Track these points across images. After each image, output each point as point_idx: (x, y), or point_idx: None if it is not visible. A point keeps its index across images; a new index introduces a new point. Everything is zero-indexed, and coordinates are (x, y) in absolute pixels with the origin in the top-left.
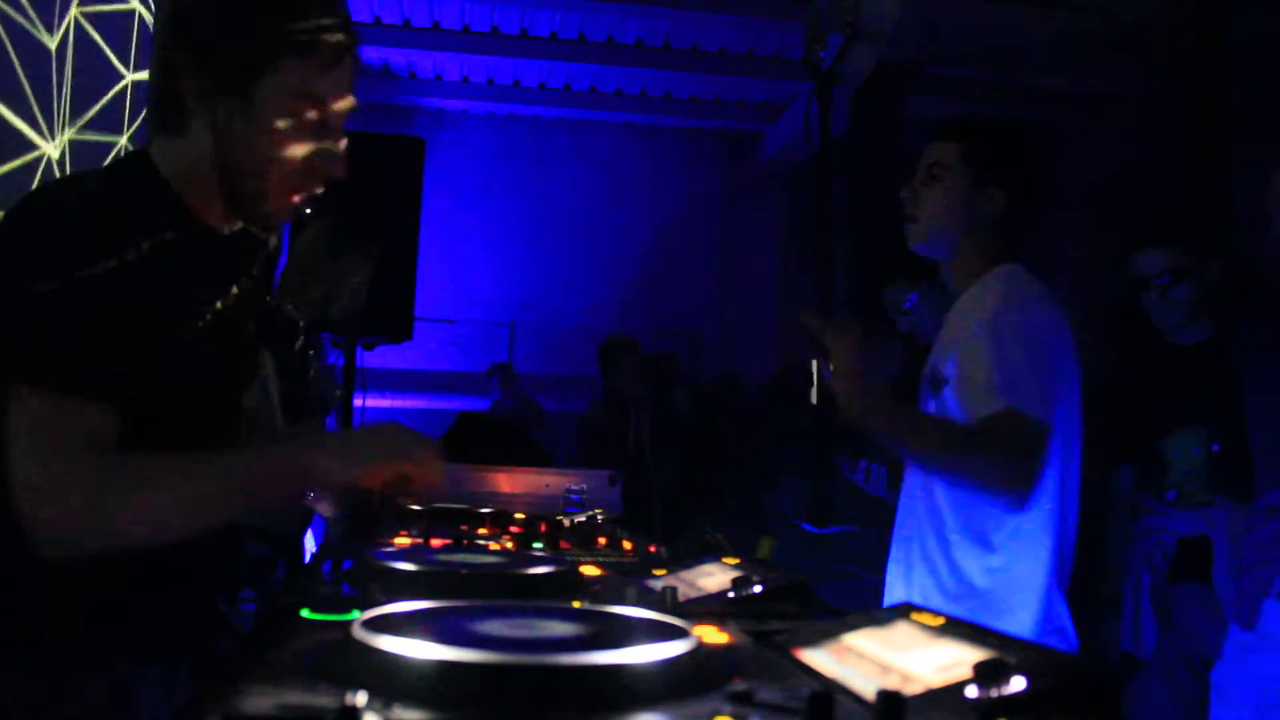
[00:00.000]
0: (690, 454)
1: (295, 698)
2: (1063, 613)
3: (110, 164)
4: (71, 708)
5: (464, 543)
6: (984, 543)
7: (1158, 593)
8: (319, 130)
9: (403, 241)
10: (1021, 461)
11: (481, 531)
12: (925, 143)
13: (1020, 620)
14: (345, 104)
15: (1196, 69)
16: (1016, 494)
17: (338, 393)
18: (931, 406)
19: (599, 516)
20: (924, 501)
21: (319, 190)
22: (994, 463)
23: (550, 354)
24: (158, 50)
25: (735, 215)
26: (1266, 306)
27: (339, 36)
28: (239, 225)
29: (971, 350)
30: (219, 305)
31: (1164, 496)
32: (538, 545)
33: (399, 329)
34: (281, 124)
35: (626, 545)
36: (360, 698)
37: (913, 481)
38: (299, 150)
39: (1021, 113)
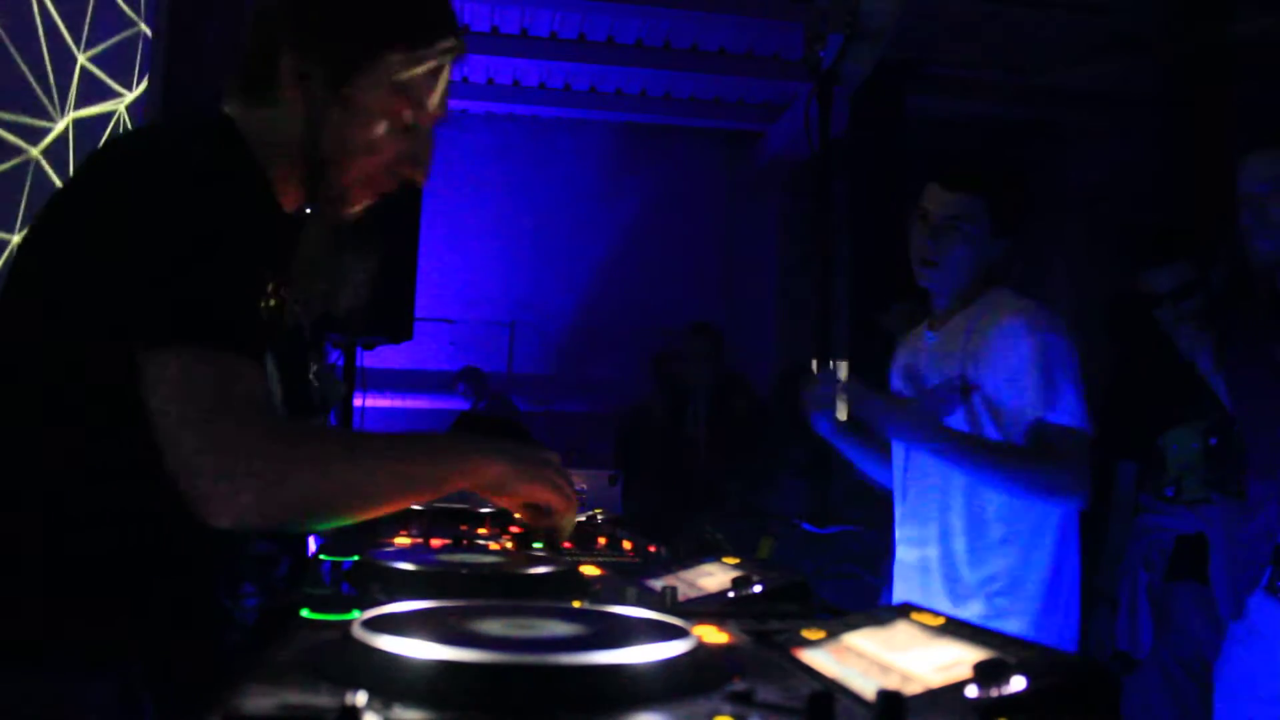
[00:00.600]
0: (745, 448)
1: (295, 698)
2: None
3: (195, 123)
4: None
5: (464, 543)
6: (1020, 542)
7: (1155, 591)
8: (409, 131)
9: (403, 241)
10: (1080, 473)
11: (481, 531)
12: (934, 173)
13: (1054, 618)
14: (440, 109)
15: (1197, 68)
16: (1077, 501)
17: (342, 390)
18: (960, 412)
19: (599, 516)
20: (939, 502)
21: (393, 190)
22: (1058, 477)
23: (550, 354)
24: (257, 14)
25: (735, 215)
26: (1252, 308)
27: (449, 42)
28: (303, 209)
29: (1010, 366)
30: (271, 289)
31: (1162, 493)
32: (538, 545)
33: (399, 329)
34: (375, 120)
35: (626, 545)
36: (360, 698)
37: (924, 485)
38: (386, 148)
39: (1021, 113)
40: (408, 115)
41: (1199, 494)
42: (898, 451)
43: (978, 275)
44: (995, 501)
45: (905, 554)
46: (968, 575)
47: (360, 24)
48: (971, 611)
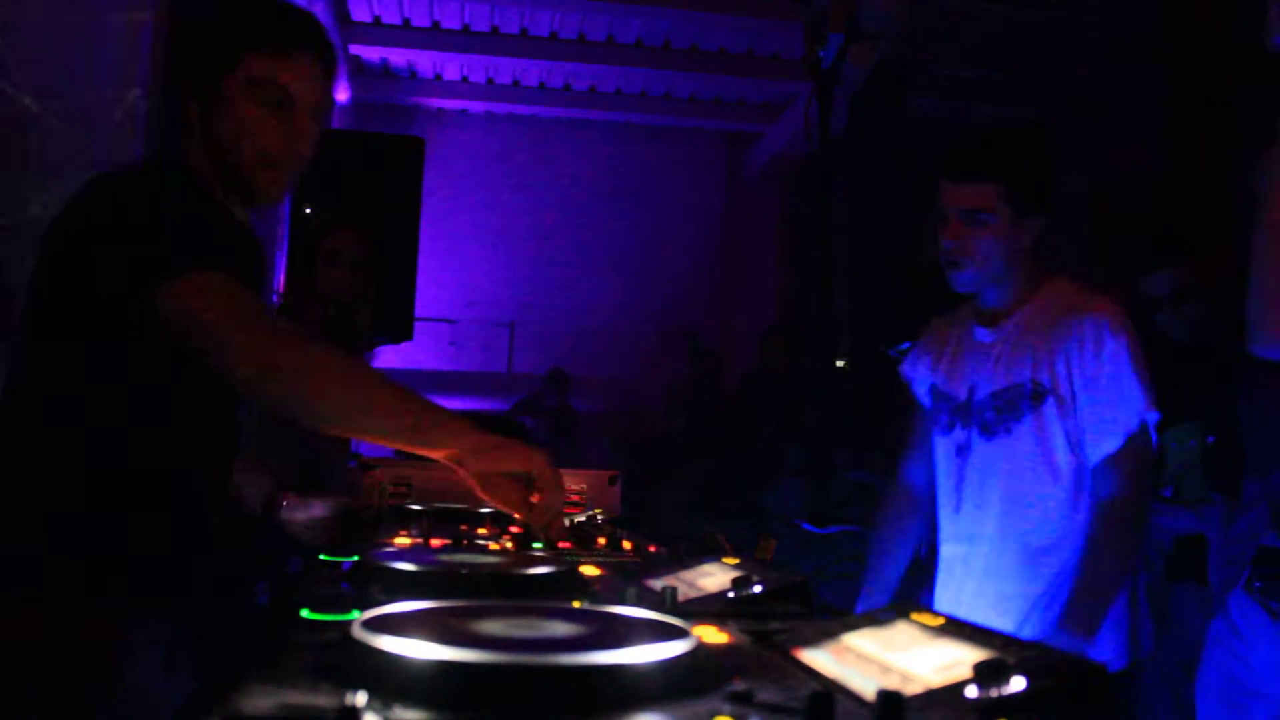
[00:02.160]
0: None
1: (295, 698)
2: None
3: (146, 167)
4: (74, 654)
5: (464, 543)
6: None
7: (1155, 592)
8: (284, 114)
9: (403, 241)
10: (1147, 487)
11: (481, 531)
12: (939, 168)
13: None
14: (308, 91)
15: (1199, 68)
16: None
17: None
18: (1028, 418)
19: (599, 516)
20: (995, 513)
21: (298, 169)
22: (1144, 491)
23: (550, 354)
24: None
25: (735, 215)
26: None
27: (294, 33)
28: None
29: (1094, 371)
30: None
31: (1161, 493)
32: (538, 545)
33: (399, 329)
34: (249, 109)
35: (626, 545)
36: (360, 698)
37: (980, 498)
38: (267, 130)
39: (1022, 113)
40: (276, 99)
41: (1198, 493)
42: (948, 460)
43: (1019, 264)
44: (1045, 511)
45: (953, 557)
46: (1016, 588)
47: (213, 43)
48: (1026, 626)
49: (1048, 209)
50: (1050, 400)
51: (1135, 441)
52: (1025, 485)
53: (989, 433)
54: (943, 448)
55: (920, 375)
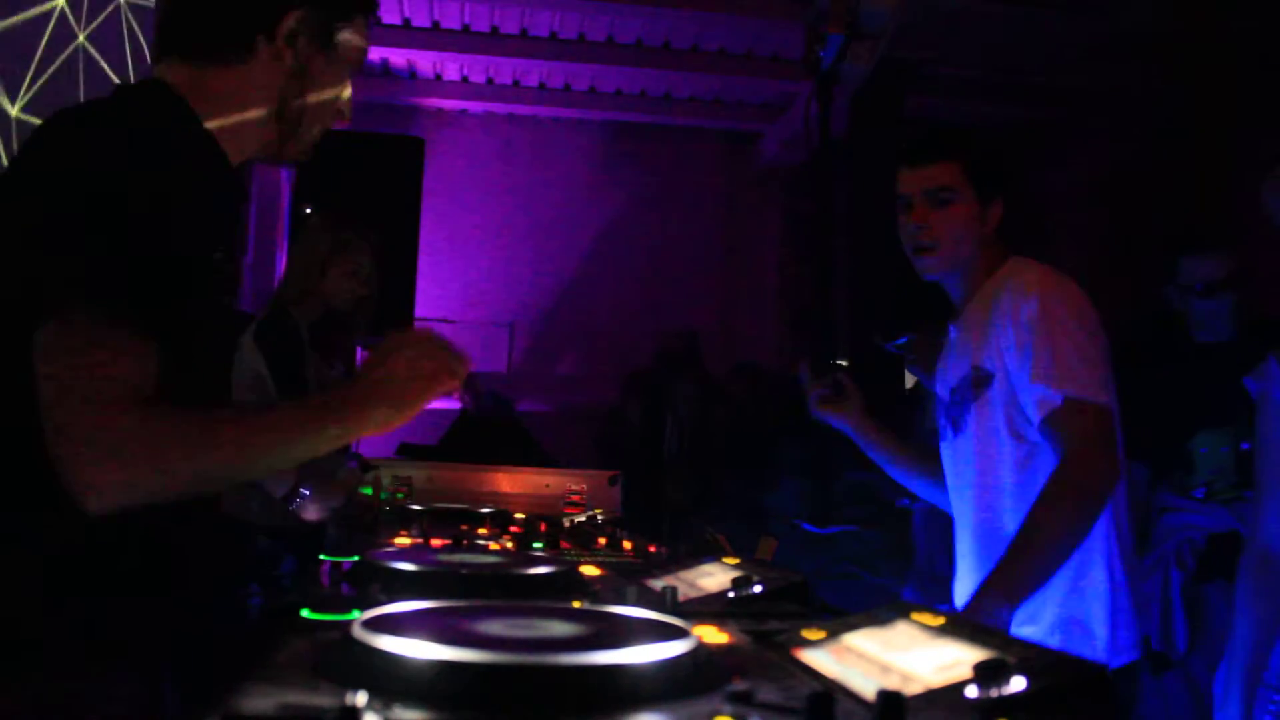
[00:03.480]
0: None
1: (295, 698)
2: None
3: (125, 89)
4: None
5: (464, 543)
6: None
7: (1188, 592)
8: (349, 79)
9: (403, 241)
10: (1106, 460)
11: (481, 531)
12: (898, 160)
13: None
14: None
15: (1197, 68)
16: (1110, 484)
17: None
18: (972, 411)
19: (599, 516)
20: (1012, 510)
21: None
22: (1087, 491)
23: (550, 354)
24: None
25: (735, 215)
26: None
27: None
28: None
29: (1012, 338)
30: (217, 256)
31: (1193, 494)
32: (538, 545)
33: (399, 329)
34: (346, 68)
35: (626, 545)
36: (360, 698)
37: (990, 498)
38: (342, 92)
39: (1021, 113)
40: (358, 64)
41: (1231, 494)
42: (945, 459)
43: (981, 250)
44: (1013, 499)
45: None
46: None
47: None
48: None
49: (1006, 193)
50: (994, 384)
51: (1074, 408)
52: (989, 475)
53: (956, 428)
54: (942, 450)
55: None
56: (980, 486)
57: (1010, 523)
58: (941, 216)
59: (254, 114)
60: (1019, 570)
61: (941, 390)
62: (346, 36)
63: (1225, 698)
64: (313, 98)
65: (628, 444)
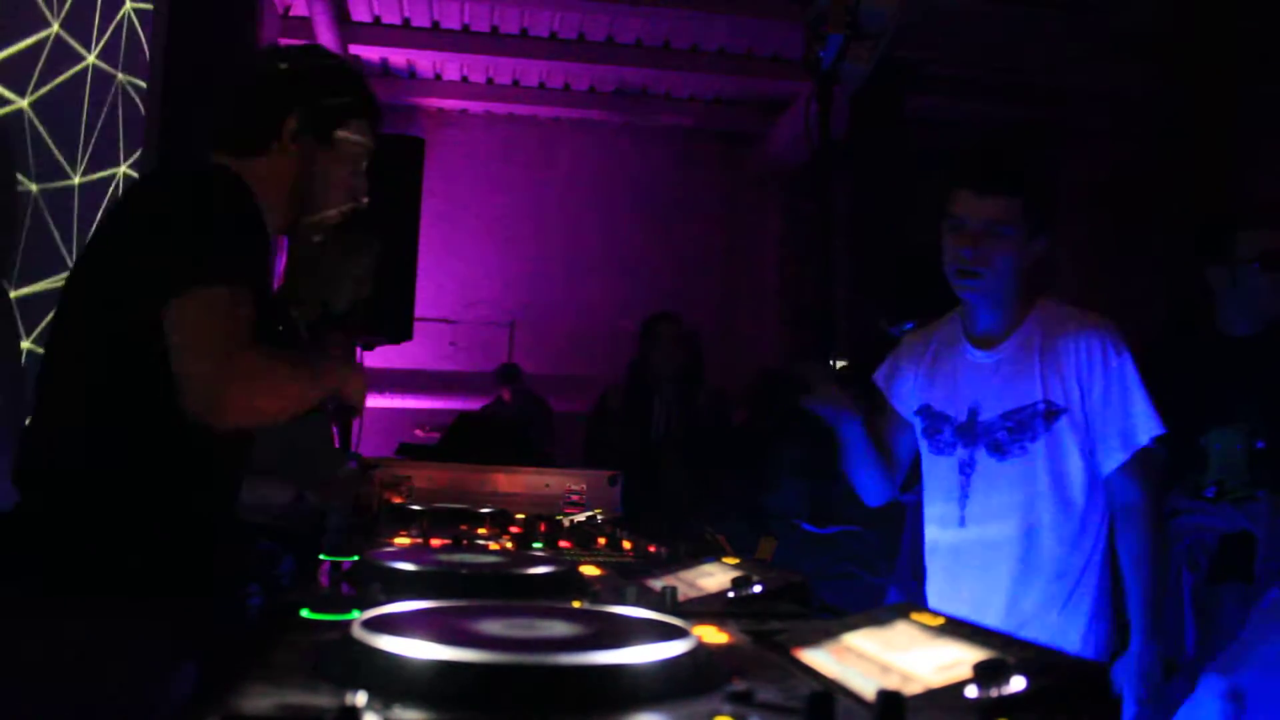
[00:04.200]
0: (709, 450)
1: (295, 698)
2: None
3: (204, 171)
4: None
5: (464, 543)
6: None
7: (1199, 593)
8: (359, 174)
9: (403, 241)
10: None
11: (481, 531)
12: (960, 178)
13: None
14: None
15: (1197, 68)
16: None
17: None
18: (1042, 438)
19: (599, 516)
20: (1008, 536)
21: (346, 213)
22: (1159, 498)
23: (550, 354)
24: (262, 87)
25: (735, 215)
26: None
27: (381, 113)
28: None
29: (1105, 388)
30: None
31: (1202, 494)
32: (538, 545)
33: (399, 329)
34: (345, 160)
35: (626, 545)
36: (360, 698)
37: (991, 523)
38: (350, 180)
39: (1021, 113)
40: (362, 157)
41: (1243, 493)
42: (948, 476)
43: (1021, 281)
44: (1058, 521)
45: (954, 566)
46: (1026, 604)
47: (345, 96)
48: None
49: (1051, 233)
50: (1063, 418)
51: (1149, 453)
52: (1041, 499)
53: (1000, 452)
54: (940, 465)
55: (903, 392)
56: (1026, 508)
57: (1059, 545)
58: (993, 248)
59: (274, 197)
60: (1158, 615)
61: (958, 411)
62: (344, 135)
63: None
64: (319, 186)
65: (613, 434)
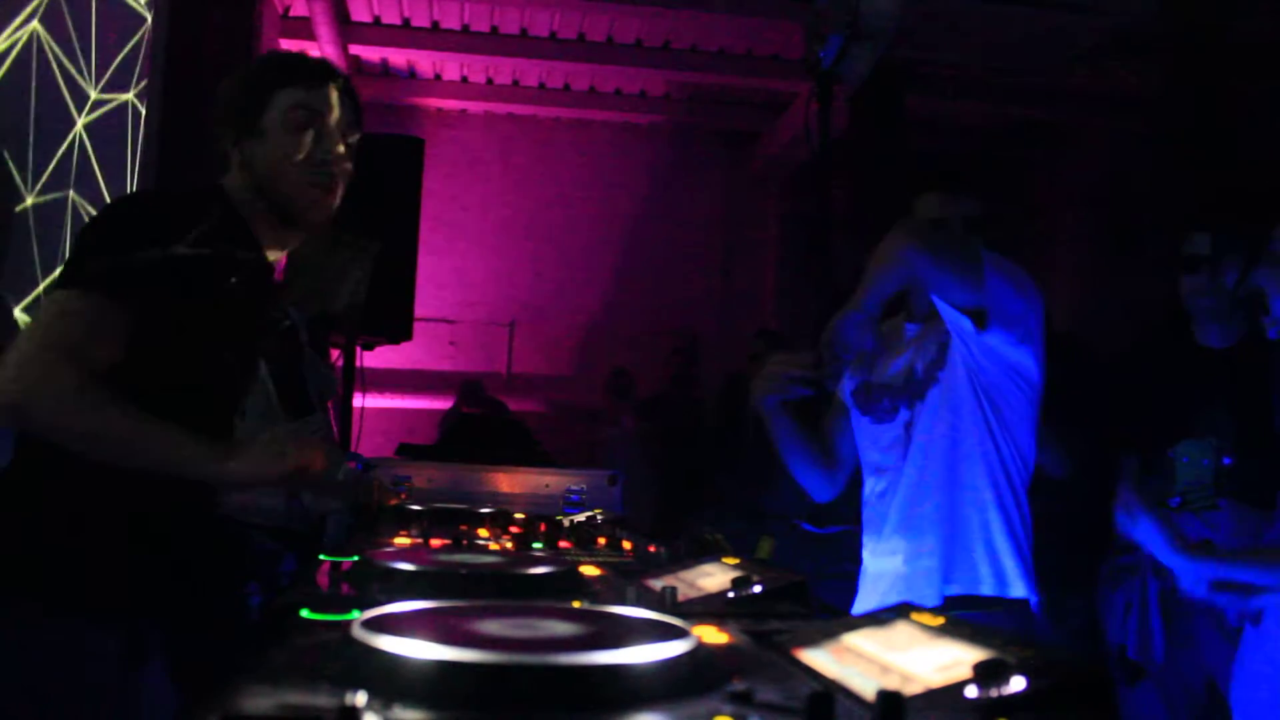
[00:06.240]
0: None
1: (295, 698)
2: None
3: (194, 189)
4: (88, 665)
5: (464, 543)
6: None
7: (1166, 600)
8: (317, 136)
9: (403, 241)
10: None
11: (481, 531)
12: (937, 182)
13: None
14: (333, 110)
15: (1196, 69)
16: None
17: (336, 384)
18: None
19: (599, 516)
20: (934, 520)
21: (335, 186)
22: None
23: (550, 354)
24: (213, 135)
25: (735, 215)
26: None
27: (316, 69)
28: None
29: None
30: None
31: (1166, 502)
32: (538, 545)
33: (399, 329)
34: (284, 135)
35: (626, 545)
36: (360, 698)
37: (921, 509)
38: (300, 146)
39: (1021, 113)
40: (305, 120)
41: (1206, 504)
42: (886, 462)
43: None
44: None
45: (883, 566)
46: (943, 587)
47: (247, 92)
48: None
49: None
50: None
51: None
52: (952, 494)
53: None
54: (883, 434)
55: (845, 384)
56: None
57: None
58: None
59: (257, 214)
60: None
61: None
62: (270, 115)
63: None
64: (272, 173)
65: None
